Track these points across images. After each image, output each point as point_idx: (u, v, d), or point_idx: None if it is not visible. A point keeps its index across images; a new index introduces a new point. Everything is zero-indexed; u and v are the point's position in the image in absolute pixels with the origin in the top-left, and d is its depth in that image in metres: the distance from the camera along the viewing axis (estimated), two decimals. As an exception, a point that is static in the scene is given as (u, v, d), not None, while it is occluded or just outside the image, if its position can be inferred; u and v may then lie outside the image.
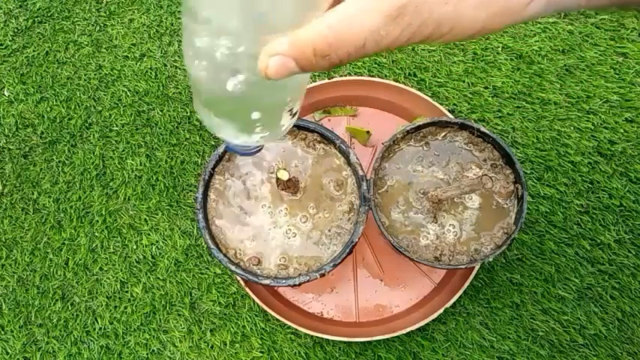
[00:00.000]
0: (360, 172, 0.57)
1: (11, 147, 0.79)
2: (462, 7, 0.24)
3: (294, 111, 0.34)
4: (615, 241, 0.68)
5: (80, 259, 0.73)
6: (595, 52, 0.74)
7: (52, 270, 0.73)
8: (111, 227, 0.74)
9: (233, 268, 0.55)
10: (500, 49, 0.75)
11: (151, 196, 0.75)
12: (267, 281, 0.55)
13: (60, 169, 0.77)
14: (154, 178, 0.75)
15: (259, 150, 0.42)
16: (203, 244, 0.72)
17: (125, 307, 0.71)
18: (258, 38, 0.24)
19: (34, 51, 0.82)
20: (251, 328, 0.69)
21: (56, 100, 0.80)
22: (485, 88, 0.74)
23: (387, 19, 0.23)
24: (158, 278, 0.72)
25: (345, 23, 0.23)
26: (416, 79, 0.75)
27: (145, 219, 0.74)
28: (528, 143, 0.72)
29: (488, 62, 0.75)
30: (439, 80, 0.75)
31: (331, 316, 0.68)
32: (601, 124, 0.72)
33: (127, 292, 0.72)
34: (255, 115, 0.31)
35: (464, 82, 0.75)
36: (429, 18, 0.23)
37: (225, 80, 0.28)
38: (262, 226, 0.58)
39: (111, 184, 0.76)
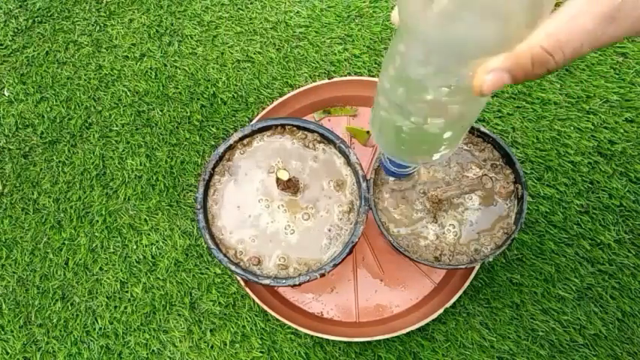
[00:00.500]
0: (360, 172, 0.57)
1: (11, 147, 0.79)
2: None
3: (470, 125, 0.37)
4: (615, 241, 0.68)
5: (80, 259, 0.73)
6: (595, 52, 0.74)
7: (52, 270, 0.73)
8: (111, 227, 0.74)
9: (233, 268, 0.55)
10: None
11: (151, 196, 0.75)
12: (267, 281, 0.55)
13: (60, 169, 0.77)
14: (154, 178, 0.75)
15: (414, 171, 0.47)
16: (203, 244, 0.72)
17: (125, 307, 0.71)
18: (472, 62, 0.27)
19: (34, 51, 0.82)
20: (251, 328, 0.69)
21: (56, 100, 0.80)
22: (485, 88, 0.74)
23: (603, 20, 0.24)
24: (158, 278, 0.72)
25: (562, 29, 0.25)
26: (416, 79, 0.75)
27: (145, 219, 0.74)
28: (528, 143, 0.72)
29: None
30: (439, 80, 0.75)
31: (331, 316, 0.68)
32: (601, 124, 0.72)
33: (127, 292, 0.72)
34: (447, 135, 0.34)
35: (464, 82, 0.75)
36: None
37: (434, 108, 0.31)
38: (262, 226, 0.58)
39: (111, 184, 0.76)
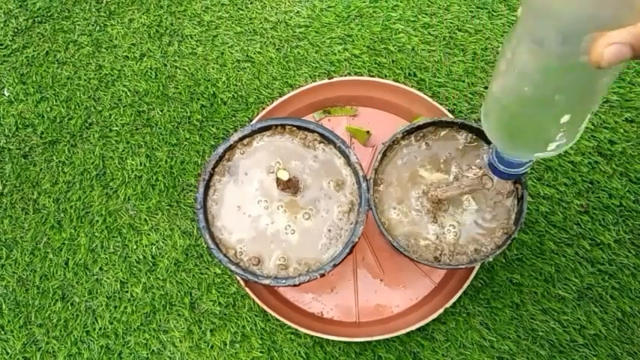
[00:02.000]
0: (360, 172, 0.57)
1: (11, 147, 0.79)
2: None
3: (589, 116, 0.36)
4: (615, 241, 0.68)
5: (80, 259, 0.73)
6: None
7: (52, 270, 0.73)
8: (111, 227, 0.74)
9: (233, 268, 0.55)
10: (500, 48, 0.75)
11: (151, 196, 0.75)
12: (267, 281, 0.55)
13: (60, 169, 0.77)
14: (154, 178, 0.75)
15: (527, 170, 0.45)
16: (203, 244, 0.72)
17: (125, 307, 0.71)
18: (591, 35, 0.28)
19: (34, 51, 0.82)
20: (251, 328, 0.69)
21: (56, 100, 0.80)
22: (486, 88, 0.74)
23: None
24: (158, 278, 0.72)
25: None
26: (416, 79, 0.75)
27: (145, 219, 0.74)
28: (528, 143, 0.72)
29: (488, 62, 0.75)
30: (439, 80, 0.75)
31: (331, 316, 0.68)
32: (601, 124, 0.72)
33: (127, 292, 0.72)
34: (565, 119, 0.34)
35: (464, 82, 0.75)
36: None
37: (554, 79, 0.31)
38: (262, 226, 0.58)
39: (111, 184, 0.76)
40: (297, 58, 0.79)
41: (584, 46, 0.29)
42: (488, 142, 0.59)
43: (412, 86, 0.74)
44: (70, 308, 0.72)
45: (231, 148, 0.60)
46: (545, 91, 0.33)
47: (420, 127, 0.60)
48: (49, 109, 0.80)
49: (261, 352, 0.69)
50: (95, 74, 0.81)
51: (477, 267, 0.65)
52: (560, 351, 0.66)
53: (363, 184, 0.57)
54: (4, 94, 0.81)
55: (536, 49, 0.31)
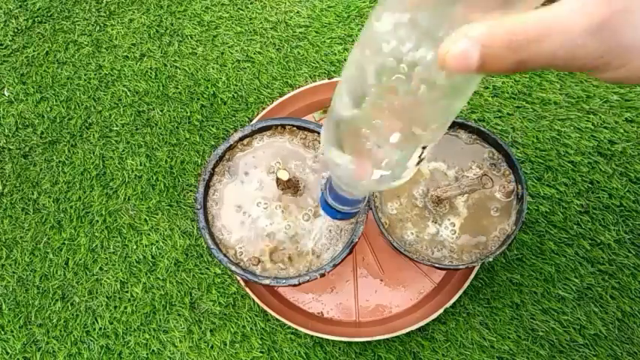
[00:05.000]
0: (360, 172, 0.57)
1: (11, 147, 0.79)
2: None
3: (423, 155, 0.31)
4: (615, 241, 0.68)
5: (80, 259, 0.73)
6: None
7: (52, 270, 0.73)
8: (111, 227, 0.74)
9: (233, 268, 0.55)
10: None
11: (151, 196, 0.75)
12: (267, 281, 0.55)
13: (60, 169, 0.77)
14: (154, 178, 0.75)
15: (357, 212, 0.40)
16: (203, 244, 0.72)
17: (125, 307, 0.71)
18: (457, 20, 0.23)
19: (34, 51, 0.82)
20: (251, 328, 0.69)
21: (56, 100, 0.80)
22: (486, 88, 0.74)
23: (588, 30, 0.23)
24: (158, 278, 0.72)
25: (548, 22, 0.23)
26: (416, 79, 0.75)
27: (145, 219, 0.74)
28: (528, 143, 0.72)
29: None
30: (439, 80, 0.75)
31: (331, 316, 0.68)
32: (601, 124, 0.72)
33: (127, 292, 0.72)
34: (394, 138, 0.29)
35: (464, 82, 0.75)
36: (621, 41, 0.23)
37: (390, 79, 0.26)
38: (262, 226, 0.58)
39: (111, 184, 0.76)
40: (297, 58, 0.79)
41: (442, 36, 0.23)
42: (489, 142, 0.59)
43: (412, 86, 0.74)
44: (70, 308, 0.72)
45: (231, 148, 0.60)
46: (375, 101, 0.27)
47: (420, 127, 0.60)
48: (49, 109, 0.80)
49: (261, 352, 0.69)
50: (95, 74, 0.81)
51: (477, 267, 0.65)
52: (560, 351, 0.66)
53: (363, 184, 0.57)
54: (4, 94, 0.81)
55: (377, 34, 0.25)
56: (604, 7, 0.22)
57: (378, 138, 0.29)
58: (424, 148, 0.30)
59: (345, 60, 0.77)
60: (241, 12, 0.82)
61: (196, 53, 0.80)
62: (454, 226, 0.58)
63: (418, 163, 0.32)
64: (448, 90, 0.26)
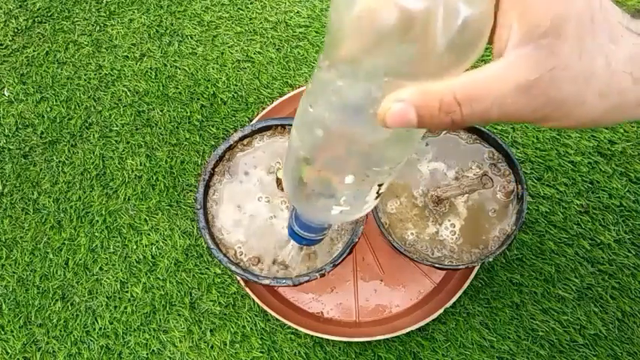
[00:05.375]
0: (360, 172, 0.57)
1: (11, 147, 0.79)
2: (586, 91, 0.24)
3: (381, 190, 0.32)
4: (615, 241, 0.68)
5: (80, 259, 0.73)
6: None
7: (52, 270, 0.73)
8: (111, 227, 0.74)
9: (233, 268, 0.55)
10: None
11: (150, 196, 0.75)
12: (267, 281, 0.55)
13: (60, 169, 0.77)
14: (154, 178, 0.75)
15: (323, 239, 0.40)
16: (203, 244, 0.72)
17: (125, 307, 0.71)
18: (388, 86, 0.25)
19: (34, 51, 0.82)
20: (251, 328, 0.69)
21: (56, 100, 0.80)
22: (485, 88, 0.74)
23: (519, 90, 0.24)
24: (158, 278, 0.72)
25: (478, 84, 0.24)
26: (416, 79, 0.75)
27: (145, 219, 0.74)
28: (528, 143, 0.72)
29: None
30: (439, 80, 0.75)
31: (331, 316, 0.68)
32: (601, 124, 0.72)
33: (127, 292, 0.72)
34: (349, 180, 0.30)
35: (464, 82, 0.75)
36: (556, 96, 0.24)
37: (344, 134, 0.27)
38: (262, 226, 0.58)
39: (111, 184, 0.76)
40: (297, 58, 0.79)
41: (379, 95, 0.25)
42: (489, 142, 0.59)
43: (412, 86, 0.74)
44: (70, 308, 0.72)
45: (231, 148, 0.60)
46: (328, 147, 0.29)
47: (420, 127, 0.60)
48: (49, 109, 0.80)
49: (261, 352, 0.69)
50: (95, 74, 0.81)
51: (477, 267, 0.65)
52: (560, 351, 0.66)
53: (363, 184, 0.57)
54: (4, 94, 0.81)
55: (327, 81, 0.27)
56: (533, 68, 0.23)
57: (333, 181, 0.31)
58: (381, 185, 0.32)
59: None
60: (241, 12, 0.82)
61: (196, 53, 0.80)
62: (454, 226, 0.58)
63: (377, 197, 0.33)
64: (394, 139, 0.28)
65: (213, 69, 0.79)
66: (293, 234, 0.41)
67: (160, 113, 0.78)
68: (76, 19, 0.84)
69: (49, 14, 0.84)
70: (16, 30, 0.84)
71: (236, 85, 0.78)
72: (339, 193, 0.32)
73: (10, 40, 0.83)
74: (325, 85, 0.27)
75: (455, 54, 0.24)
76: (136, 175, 0.76)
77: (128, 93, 0.79)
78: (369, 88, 0.25)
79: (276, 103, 0.72)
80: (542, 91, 0.24)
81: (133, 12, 0.83)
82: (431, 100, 0.24)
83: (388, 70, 0.24)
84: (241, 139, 0.60)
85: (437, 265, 0.56)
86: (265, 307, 0.65)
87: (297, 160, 0.32)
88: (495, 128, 0.73)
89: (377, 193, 0.33)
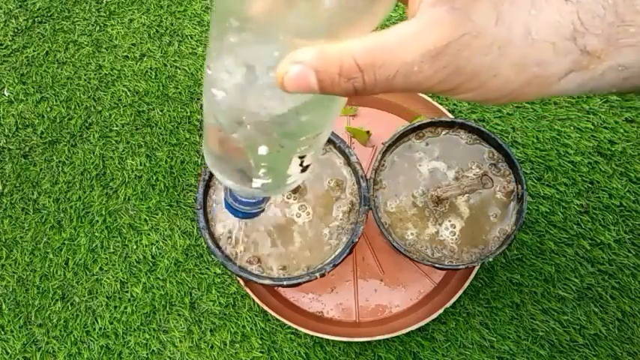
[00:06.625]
0: (360, 172, 0.57)
1: (11, 147, 0.79)
2: (500, 62, 0.22)
3: (305, 163, 0.31)
4: (615, 241, 0.68)
5: (80, 259, 0.73)
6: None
7: (52, 270, 0.73)
8: (111, 227, 0.74)
9: (233, 268, 0.55)
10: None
11: (150, 196, 0.75)
12: (267, 281, 0.55)
13: (60, 169, 0.77)
14: (154, 178, 0.75)
15: (260, 212, 0.38)
16: (203, 244, 0.72)
17: (125, 307, 0.71)
18: (286, 45, 0.22)
19: (34, 51, 0.82)
20: (251, 328, 0.69)
21: (56, 100, 0.80)
22: (485, 88, 0.74)
23: (425, 56, 0.22)
24: (158, 278, 0.72)
25: (383, 50, 0.22)
26: (416, 79, 0.75)
27: (145, 219, 0.74)
28: (528, 143, 0.72)
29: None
30: (439, 80, 0.75)
31: (331, 316, 0.68)
32: (601, 124, 0.72)
33: (127, 292, 0.72)
34: (263, 150, 0.28)
35: (464, 82, 0.75)
36: (466, 66, 0.22)
37: (245, 98, 0.26)
38: (262, 226, 0.58)
39: (111, 184, 0.76)
40: (297, 58, 0.79)
41: (278, 56, 0.22)
42: (489, 142, 0.59)
43: (412, 86, 0.74)
44: (70, 308, 0.72)
45: (231, 148, 0.60)
46: (232, 112, 0.27)
47: (420, 127, 0.60)
48: (49, 109, 0.80)
49: (261, 352, 0.69)
50: (95, 74, 0.81)
51: (477, 267, 0.65)
52: (560, 351, 0.66)
53: (363, 184, 0.57)
54: (4, 94, 0.81)
55: (220, 45, 0.25)
56: (443, 33, 0.21)
57: (246, 151, 0.29)
58: (302, 157, 0.30)
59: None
60: (241, 12, 0.82)
61: (196, 53, 0.80)
62: (454, 226, 0.58)
63: (304, 170, 0.31)
64: (305, 106, 0.26)
65: (213, 69, 0.79)
66: (228, 207, 0.39)
67: (160, 113, 0.78)
68: (76, 19, 0.84)
69: (49, 14, 0.84)
70: (16, 30, 0.84)
71: (236, 85, 0.78)
72: (256, 164, 0.30)
73: (10, 40, 0.83)
74: (219, 44, 0.25)
75: (347, 9, 0.21)
76: (136, 175, 0.76)
77: (128, 93, 0.79)
78: (265, 48, 0.23)
79: (276, 103, 0.72)
80: (450, 60, 0.22)
81: (133, 12, 0.83)
82: (330, 63, 0.22)
83: (284, 27, 0.22)
84: (241, 139, 0.60)
85: (437, 265, 0.56)
86: (265, 307, 0.65)
87: (208, 127, 0.30)
88: (495, 128, 0.73)
89: (301, 166, 0.31)
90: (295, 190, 0.59)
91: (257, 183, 0.32)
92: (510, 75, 0.23)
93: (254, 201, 0.38)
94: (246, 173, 0.31)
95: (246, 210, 0.39)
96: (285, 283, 0.55)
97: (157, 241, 0.73)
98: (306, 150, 0.30)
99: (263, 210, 0.39)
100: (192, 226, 0.73)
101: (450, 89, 0.23)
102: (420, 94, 0.70)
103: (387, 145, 0.59)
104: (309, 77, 0.22)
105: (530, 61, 0.22)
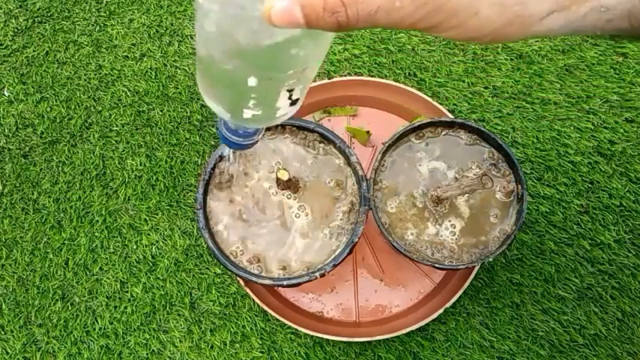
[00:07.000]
0: (360, 172, 0.57)
1: (11, 147, 0.79)
2: (480, 1, 0.23)
3: (294, 97, 0.32)
4: (615, 241, 0.68)
5: (80, 259, 0.73)
6: (595, 52, 0.74)
7: (52, 270, 0.73)
8: (111, 227, 0.74)
9: (233, 268, 0.55)
10: (500, 48, 0.75)
11: (150, 196, 0.75)
12: (267, 281, 0.55)
13: (60, 169, 0.77)
14: (154, 178, 0.75)
15: (253, 144, 0.40)
16: (203, 244, 0.72)
17: (125, 307, 0.71)
18: None
19: (34, 51, 0.82)
20: (251, 328, 0.69)
21: (56, 100, 0.80)
22: (485, 88, 0.74)
23: None
24: (158, 278, 0.72)
25: None
26: (416, 79, 0.75)
27: (145, 219, 0.74)
28: (528, 143, 0.72)
29: (488, 62, 0.75)
30: (439, 80, 0.75)
31: (331, 316, 0.68)
32: (601, 124, 0.72)
33: (127, 292, 0.72)
34: (252, 82, 0.30)
35: (464, 82, 0.75)
36: (446, 4, 0.23)
37: (234, 30, 0.27)
38: (262, 226, 0.58)
39: (111, 184, 0.76)
40: (297, 58, 0.79)
41: None
42: (489, 142, 0.59)
43: (412, 86, 0.74)
44: (70, 308, 0.72)
45: (231, 148, 0.60)
46: (221, 43, 0.28)
47: (420, 127, 0.60)
48: (49, 109, 0.80)
49: (261, 352, 0.69)
50: (95, 74, 0.81)
51: (477, 267, 0.65)
52: (560, 351, 0.66)
53: (363, 184, 0.57)
54: (4, 94, 0.81)
55: None
56: None
57: (236, 81, 0.30)
58: (291, 91, 0.31)
59: (345, 60, 0.77)
60: (241, 12, 0.82)
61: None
62: (454, 227, 0.58)
63: (293, 104, 0.33)
64: (291, 39, 0.27)
65: (213, 69, 0.79)
66: (223, 138, 0.40)
67: (160, 113, 0.78)
68: (76, 19, 0.84)
69: (49, 14, 0.84)
70: (16, 30, 0.84)
71: (236, 85, 0.78)
72: (245, 95, 0.31)
73: (10, 40, 0.83)
74: None
75: None
76: (136, 175, 0.76)
77: (128, 93, 0.79)
78: None
79: (276, 103, 0.72)
80: None
81: (133, 12, 0.83)
82: None
83: None
84: (241, 139, 0.60)
85: (437, 265, 0.56)
86: (265, 307, 0.65)
87: (201, 58, 0.31)
88: (495, 128, 0.73)
89: (289, 99, 0.32)
90: (295, 190, 0.59)
91: (248, 114, 0.33)
92: (491, 14, 0.23)
93: (247, 132, 0.39)
94: (237, 104, 0.32)
95: (240, 142, 0.40)
96: (285, 283, 0.55)
97: (157, 241, 0.73)
98: (295, 84, 0.31)
99: (256, 142, 0.41)
100: (192, 226, 0.73)
101: (431, 26, 0.24)
102: (420, 95, 0.70)
103: (387, 145, 0.59)
104: (294, 12, 0.23)
105: (510, 0, 0.23)
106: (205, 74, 0.32)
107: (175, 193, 0.75)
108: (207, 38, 0.29)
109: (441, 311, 0.64)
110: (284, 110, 0.33)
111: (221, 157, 0.57)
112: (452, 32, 0.24)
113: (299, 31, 0.26)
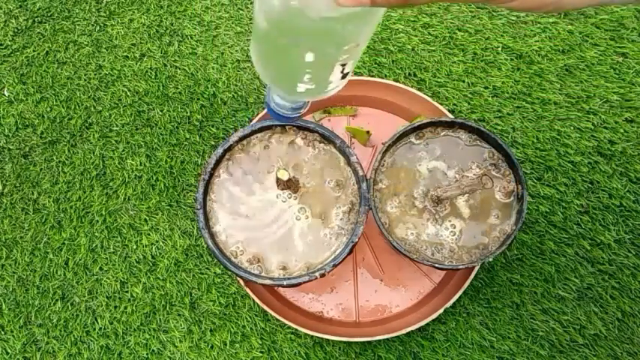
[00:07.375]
0: (360, 172, 0.57)
1: (11, 147, 0.79)
2: None
3: (345, 70, 0.33)
4: (615, 241, 0.68)
5: (80, 259, 0.73)
6: (595, 52, 0.74)
7: (52, 270, 0.73)
8: (111, 227, 0.74)
9: (233, 268, 0.55)
10: (500, 49, 0.75)
11: (150, 196, 0.75)
12: (267, 281, 0.55)
13: (60, 169, 0.77)
14: (154, 178, 0.75)
15: (299, 117, 0.41)
16: (203, 244, 0.72)
17: (125, 307, 0.71)
18: None
19: (34, 51, 0.82)
20: (251, 328, 0.69)
21: (56, 100, 0.80)
22: (485, 88, 0.74)
23: None
24: (158, 278, 0.72)
25: None
26: (416, 79, 0.75)
27: (145, 219, 0.74)
28: (528, 143, 0.72)
29: (488, 62, 0.75)
30: (439, 80, 0.75)
31: (331, 316, 0.68)
32: (601, 124, 0.72)
33: (127, 292, 0.72)
34: (309, 57, 0.31)
35: (464, 82, 0.75)
36: None
37: (300, 4, 0.28)
38: (262, 226, 0.58)
39: (111, 184, 0.76)
40: (297, 58, 0.79)
41: None
42: (489, 142, 0.59)
43: (412, 86, 0.74)
44: (70, 308, 0.72)
45: (230, 148, 0.60)
46: (283, 18, 0.29)
47: (419, 127, 0.60)
48: (49, 109, 0.80)
49: (261, 352, 0.69)
50: (95, 74, 0.81)
51: (477, 267, 0.65)
52: (560, 351, 0.66)
53: (363, 184, 0.57)
54: (4, 94, 0.81)
55: None
56: None
57: (294, 57, 0.32)
58: (344, 65, 0.32)
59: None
60: (241, 12, 0.82)
61: (196, 53, 0.80)
62: (454, 227, 0.58)
63: (344, 77, 0.34)
64: (350, 15, 0.28)
65: (213, 69, 0.79)
66: (271, 111, 0.42)
67: (160, 113, 0.78)
68: (76, 19, 0.84)
69: (49, 14, 0.84)
70: (16, 30, 0.84)
71: (236, 85, 0.78)
72: (302, 70, 0.33)
73: (10, 40, 0.83)
74: None
75: None
76: (136, 175, 0.76)
77: (128, 93, 0.79)
78: None
79: (276, 103, 0.72)
80: None
81: (133, 12, 0.83)
82: None
83: None
84: (241, 139, 0.60)
85: (437, 265, 0.56)
86: (265, 307, 0.65)
87: (260, 34, 0.32)
88: (495, 128, 0.73)
89: (341, 73, 0.33)
90: (295, 190, 0.59)
91: (301, 88, 0.34)
92: None
93: (295, 106, 0.41)
94: (293, 79, 0.34)
95: (287, 114, 0.42)
96: (285, 283, 0.55)
97: (157, 241, 0.73)
98: (348, 58, 0.32)
99: (302, 114, 0.42)
100: (192, 226, 0.73)
101: None
102: (420, 95, 0.70)
103: (387, 145, 0.59)
104: None
105: None
106: (263, 51, 0.34)
107: (175, 193, 0.75)
108: (268, 11, 0.30)
109: (441, 311, 0.64)
110: (335, 84, 0.35)
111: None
112: (516, 2, 0.24)
113: (359, 8, 0.27)
